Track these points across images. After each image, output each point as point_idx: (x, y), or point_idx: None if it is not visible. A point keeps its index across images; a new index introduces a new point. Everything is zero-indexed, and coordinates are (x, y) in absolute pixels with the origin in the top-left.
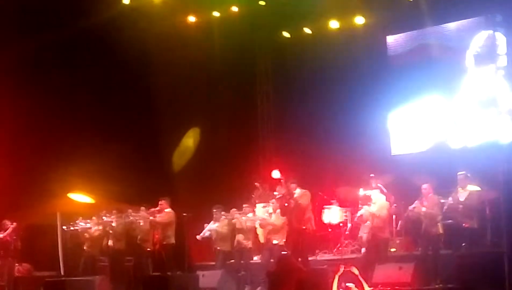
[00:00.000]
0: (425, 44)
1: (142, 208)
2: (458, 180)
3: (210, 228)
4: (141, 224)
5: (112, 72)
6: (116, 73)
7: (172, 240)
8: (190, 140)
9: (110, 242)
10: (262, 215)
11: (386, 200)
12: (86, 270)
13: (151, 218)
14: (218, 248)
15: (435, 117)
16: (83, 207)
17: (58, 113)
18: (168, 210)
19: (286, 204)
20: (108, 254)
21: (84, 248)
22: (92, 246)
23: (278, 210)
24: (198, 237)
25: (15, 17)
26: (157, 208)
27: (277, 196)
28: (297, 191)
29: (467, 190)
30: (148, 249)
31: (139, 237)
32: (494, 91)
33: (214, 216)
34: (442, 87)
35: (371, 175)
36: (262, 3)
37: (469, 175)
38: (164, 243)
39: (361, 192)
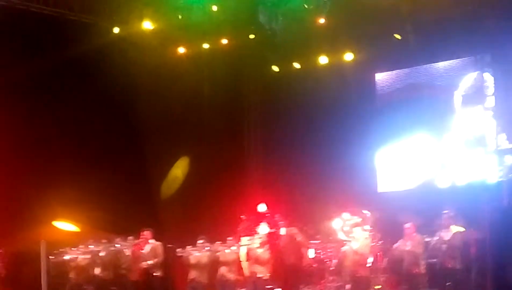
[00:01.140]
0: (413, 83)
1: (130, 237)
2: (442, 219)
3: (191, 252)
4: (127, 253)
5: (99, 100)
6: (103, 101)
7: (157, 271)
8: (178, 170)
9: (97, 271)
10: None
11: (371, 237)
12: None
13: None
14: (193, 277)
15: (422, 156)
16: (68, 235)
17: (43, 140)
18: (152, 241)
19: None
20: (95, 283)
21: (70, 276)
22: (78, 274)
23: (266, 245)
24: (178, 250)
25: (2, 43)
26: (141, 240)
27: (261, 234)
28: (282, 231)
29: (451, 230)
30: (134, 279)
31: (123, 266)
32: (482, 131)
33: (198, 247)
34: (430, 126)
35: (364, 211)
36: (251, 36)
37: (452, 214)
38: (149, 274)
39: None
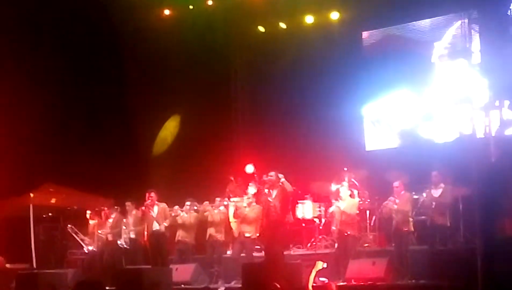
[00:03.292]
0: (400, 40)
1: (128, 203)
2: (431, 177)
3: (178, 213)
4: (129, 217)
5: (87, 62)
6: (91, 63)
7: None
8: (166, 132)
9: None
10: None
11: (360, 195)
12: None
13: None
14: (180, 239)
15: (409, 113)
16: (57, 200)
17: (31, 104)
18: (157, 203)
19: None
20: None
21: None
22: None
23: (253, 204)
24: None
25: None
26: (149, 201)
27: (249, 194)
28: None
29: (440, 187)
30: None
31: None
32: (468, 87)
33: (185, 209)
34: (416, 83)
35: (345, 169)
36: None
37: (441, 171)
38: (162, 237)
39: (333, 187)
